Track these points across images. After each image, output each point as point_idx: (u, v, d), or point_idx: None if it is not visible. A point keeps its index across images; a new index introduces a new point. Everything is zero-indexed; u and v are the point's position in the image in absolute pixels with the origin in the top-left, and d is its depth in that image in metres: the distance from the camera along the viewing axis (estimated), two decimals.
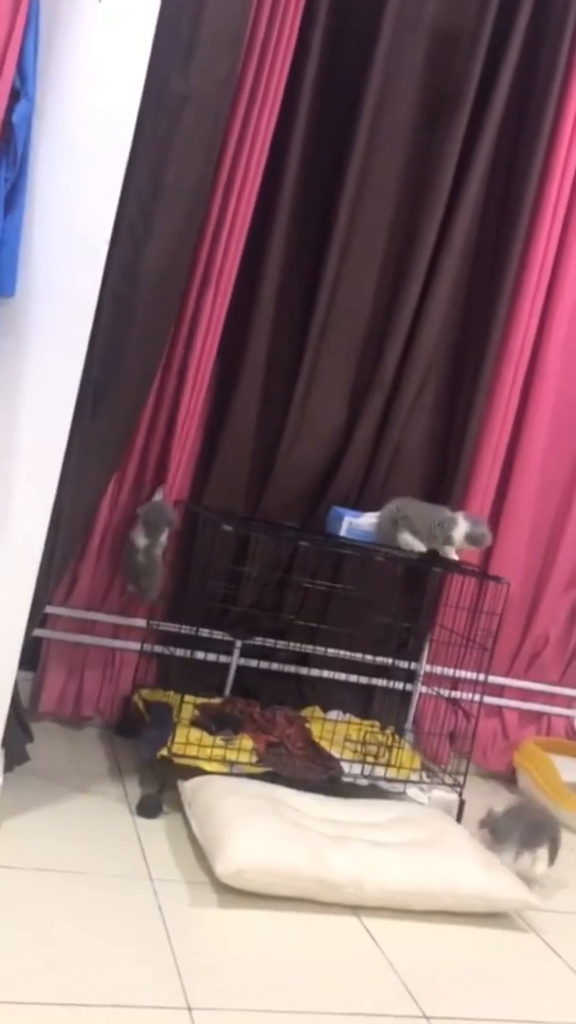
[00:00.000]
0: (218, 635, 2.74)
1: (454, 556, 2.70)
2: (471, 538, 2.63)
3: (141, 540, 2.54)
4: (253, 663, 2.83)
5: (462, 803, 2.57)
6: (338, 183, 2.68)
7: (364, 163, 2.71)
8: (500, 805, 2.43)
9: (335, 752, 2.57)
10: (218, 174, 2.51)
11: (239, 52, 2.37)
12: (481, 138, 2.77)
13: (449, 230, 2.79)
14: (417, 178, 2.79)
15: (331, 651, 2.88)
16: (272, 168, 2.61)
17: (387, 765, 2.57)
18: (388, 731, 2.80)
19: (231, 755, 2.39)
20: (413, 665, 2.95)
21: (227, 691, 2.80)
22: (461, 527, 2.63)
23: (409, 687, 2.96)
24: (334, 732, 2.67)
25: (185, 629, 2.62)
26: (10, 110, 1.69)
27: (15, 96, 1.70)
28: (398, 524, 2.66)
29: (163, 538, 2.56)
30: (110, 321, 2.04)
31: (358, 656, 2.89)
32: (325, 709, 2.88)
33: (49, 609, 2.61)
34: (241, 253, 2.61)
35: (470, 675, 2.76)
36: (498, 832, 2.31)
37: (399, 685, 2.95)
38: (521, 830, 2.28)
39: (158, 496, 2.60)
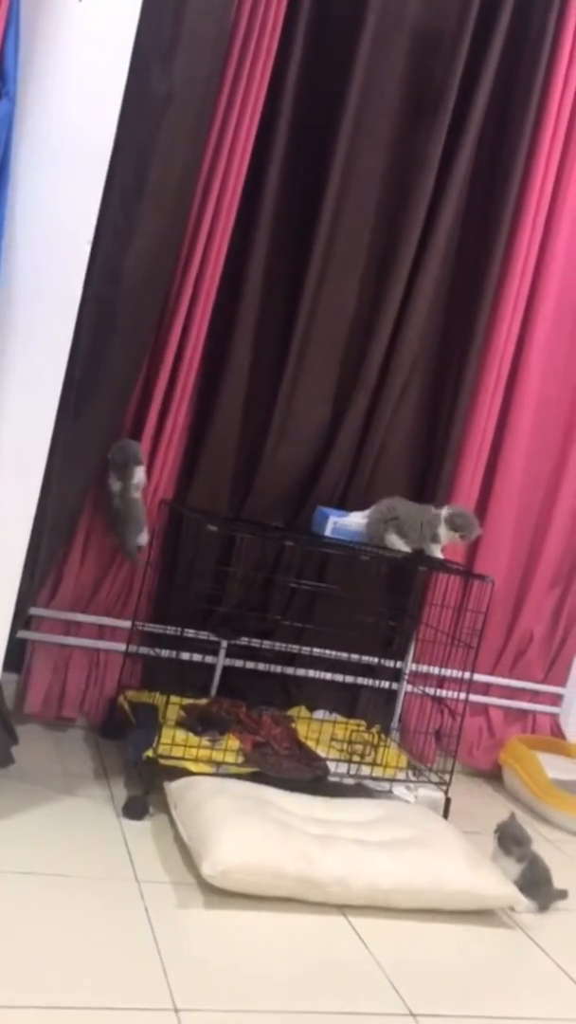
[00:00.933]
0: (203, 635, 2.74)
1: (439, 554, 2.71)
2: (454, 526, 2.65)
3: (115, 484, 2.50)
4: (239, 663, 2.83)
5: (448, 801, 2.58)
6: (321, 183, 2.68)
7: (347, 163, 2.71)
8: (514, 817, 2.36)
9: (321, 752, 2.58)
10: (201, 173, 2.51)
11: (221, 51, 2.37)
12: (463, 138, 2.78)
13: (432, 230, 2.80)
14: (400, 178, 2.79)
15: (317, 651, 2.88)
16: (255, 167, 2.61)
17: (373, 764, 2.58)
18: (374, 730, 2.81)
19: (217, 756, 2.39)
20: (399, 664, 2.96)
21: (213, 692, 2.80)
22: (444, 520, 2.64)
23: (395, 686, 2.97)
24: (320, 731, 2.67)
25: (170, 630, 2.61)
26: None
27: None
28: (387, 525, 2.67)
29: (136, 479, 2.50)
30: (93, 321, 2.04)
31: (344, 655, 2.89)
32: (311, 709, 2.88)
33: (33, 610, 2.60)
34: (225, 253, 2.61)
35: (455, 673, 2.77)
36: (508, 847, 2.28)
37: (385, 684, 2.96)
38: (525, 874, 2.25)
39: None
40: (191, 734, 2.46)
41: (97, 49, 1.86)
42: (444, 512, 2.68)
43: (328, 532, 2.70)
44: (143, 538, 2.59)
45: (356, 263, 2.79)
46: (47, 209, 1.86)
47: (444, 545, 2.70)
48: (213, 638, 2.77)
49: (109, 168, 1.90)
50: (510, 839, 2.26)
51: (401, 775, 2.60)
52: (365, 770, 2.55)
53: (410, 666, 2.95)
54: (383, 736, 2.79)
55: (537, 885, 2.23)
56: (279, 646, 2.84)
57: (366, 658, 2.92)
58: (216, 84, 2.39)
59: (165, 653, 2.63)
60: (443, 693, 2.87)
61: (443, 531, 2.66)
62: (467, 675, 2.67)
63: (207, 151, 2.51)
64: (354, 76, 2.66)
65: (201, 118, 2.31)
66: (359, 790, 2.53)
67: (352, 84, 2.66)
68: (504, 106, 2.86)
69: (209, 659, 2.81)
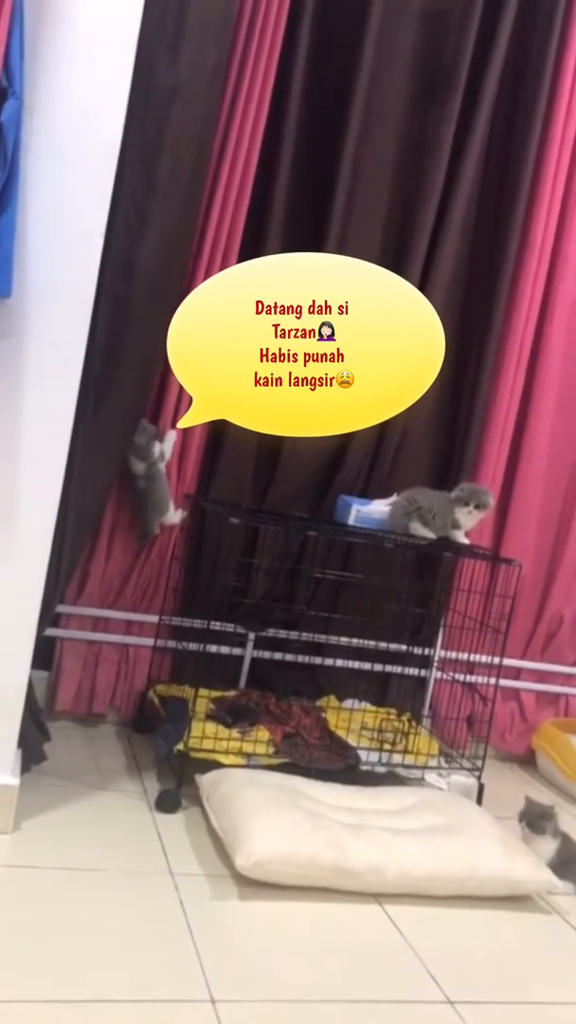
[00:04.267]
0: (231, 628, 2.74)
1: (464, 539, 2.69)
2: (463, 502, 2.63)
3: (138, 466, 2.51)
4: (267, 655, 2.83)
5: (481, 787, 2.57)
6: (333, 168, 2.66)
7: (358, 147, 2.68)
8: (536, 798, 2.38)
9: (352, 741, 2.57)
10: (212, 164, 2.50)
11: (227, 41, 2.36)
12: (476, 117, 2.75)
13: (447, 212, 2.77)
14: (413, 161, 2.77)
15: (345, 640, 2.87)
16: (266, 155, 2.60)
17: (405, 752, 2.57)
18: (405, 717, 2.80)
19: (248, 747, 2.39)
20: (428, 651, 2.95)
21: (242, 683, 2.80)
22: (454, 503, 2.64)
23: (424, 673, 2.95)
24: (350, 720, 2.67)
25: (197, 623, 2.62)
26: None
27: (2, 95, 1.69)
28: (411, 516, 2.65)
29: (158, 452, 2.53)
30: (108, 317, 2.04)
31: (372, 644, 2.88)
32: (341, 698, 2.87)
33: (61, 608, 2.62)
34: (239, 242, 2.59)
35: (485, 659, 2.75)
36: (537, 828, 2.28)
37: (414, 671, 2.94)
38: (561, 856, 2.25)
39: (171, 437, 2.57)
40: (221, 726, 2.47)
41: (102, 43, 1.86)
42: (452, 495, 2.67)
43: (351, 521, 2.69)
44: (173, 516, 2.60)
45: (371, 248, 2.76)
46: (59, 206, 1.86)
47: (467, 529, 2.68)
48: (240, 630, 2.77)
49: (119, 162, 1.90)
50: (539, 818, 2.24)
51: (433, 762, 2.59)
52: (397, 758, 2.55)
53: (439, 653, 2.93)
54: (414, 723, 2.78)
55: (571, 863, 2.22)
56: (306, 636, 2.84)
57: (394, 646, 2.91)
58: (223, 74, 2.38)
59: (193, 646, 2.63)
60: (473, 679, 2.85)
61: (458, 514, 2.64)
62: (497, 660, 2.65)
63: (217, 141, 2.50)
64: (363, 59, 2.63)
65: (209, 109, 2.30)
66: (391, 778, 2.53)
67: (361, 67, 2.63)
68: (516, 83, 2.82)
69: (237, 651, 2.81)
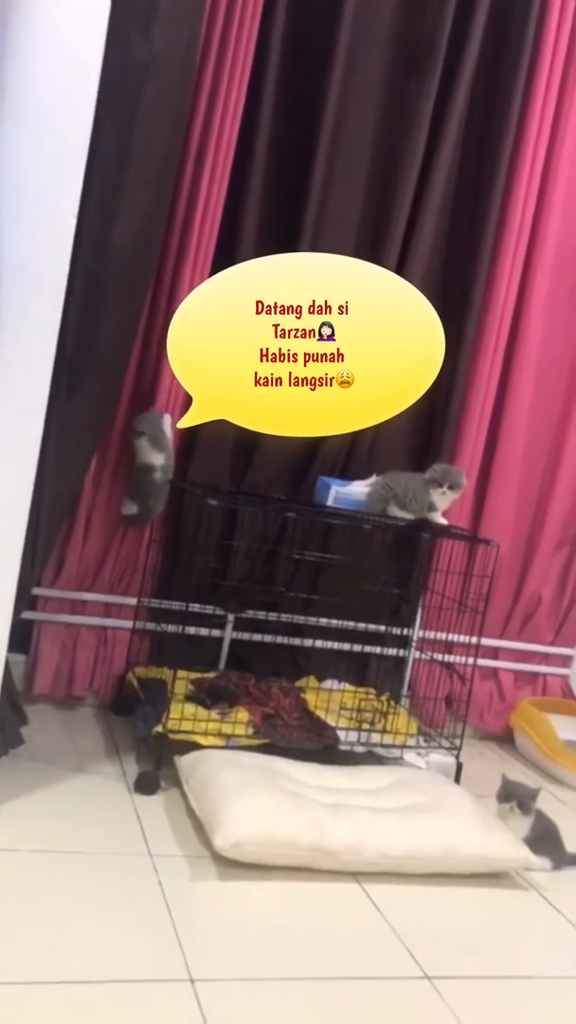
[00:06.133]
0: (210, 609, 2.74)
1: (442, 520, 2.69)
2: (435, 484, 2.63)
3: (157, 458, 2.48)
4: (246, 636, 2.83)
5: (459, 766, 2.58)
6: (311, 144, 2.64)
7: (337, 123, 2.66)
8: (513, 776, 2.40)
9: (331, 721, 2.58)
10: (190, 141, 2.47)
11: (201, 16, 2.32)
12: (455, 93, 2.73)
13: (426, 188, 2.75)
14: (391, 137, 2.74)
15: (324, 621, 2.87)
16: (245, 133, 2.57)
17: (383, 731, 2.58)
18: (384, 698, 2.81)
19: (227, 728, 2.40)
20: (406, 631, 2.96)
21: (221, 665, 2.80)
22: (427, 485, 2.64)
23: (403, 653, 2.96)
24: (329, 701, 2.67)
25: (176, 605, 2.61)
26: None
27: None
28: (388, 502, 2.65)
29: (169, 450, 2.52)
30: (82, 297, 2.01)
31: (351, 624, 2.89)
32: (320, 678, 2.88)
33: (39, 591, 2.60)
34: (219, 219, 2.57)
35: (464, 639, 2.76)
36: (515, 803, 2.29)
37: (393, 652, 2.95)
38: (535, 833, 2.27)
39: (166, 419, 2.53)
40: (200, 708, 2.47)
41: (74, 17, 1.82)
42: (426, 476, 2.67)
43: (330, 502, 2.69)
44: None
45: (350, 225, 2.75)
46: (30, 184, 1.83)
47: (443, 509, 2.69)
48: (219, 612, 2.77)
49: (92, 140, 1.86)
50: (513, 795, 2.26)
51: (412, 741, 2.61)
52: (375, 738, 2.56)
53: (418, 633, 2.94)
54: (393, 703, 2.79)
55: (546, 838, 2.24)
56: (285, 617, 2.84)
57: (373, 626, 2.92)
58: (197, 49, 2.34)
59: (172, 628, 2.63)
60: (452, 658, 2.86)
61: (433, 495, 2.64)
62: (475, 640, 2.66)
63: (196, 118, 2.47)
64: (341, 33, 2.60)
65: (184, 84, 2.26)
66: (370, 758, 2.54)
67: (339, 41, 2.60)
68: (496, 57, 2.80)
69: (216, 633, 2.81)
